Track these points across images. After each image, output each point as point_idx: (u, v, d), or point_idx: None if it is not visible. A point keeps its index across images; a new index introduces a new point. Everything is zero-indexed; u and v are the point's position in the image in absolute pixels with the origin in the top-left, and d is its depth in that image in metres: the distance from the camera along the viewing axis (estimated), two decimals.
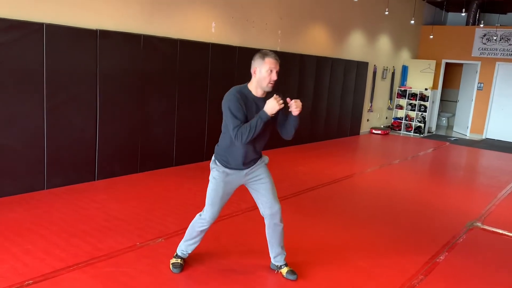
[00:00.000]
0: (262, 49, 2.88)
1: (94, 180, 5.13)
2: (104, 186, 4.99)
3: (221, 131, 3.02)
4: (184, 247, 3.15)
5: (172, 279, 3.01)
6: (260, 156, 3.05)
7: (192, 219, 4.05)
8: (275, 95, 2.77)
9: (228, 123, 2.80)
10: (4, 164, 4.33)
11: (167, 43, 5.68)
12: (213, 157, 3.03)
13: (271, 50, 2.84)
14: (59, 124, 4.69)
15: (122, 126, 5.32)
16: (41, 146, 4.58)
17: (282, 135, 3.03)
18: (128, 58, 5.25)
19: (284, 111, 2.89)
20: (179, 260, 3.14)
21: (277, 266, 3.20)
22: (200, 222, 3.04)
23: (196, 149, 6.37)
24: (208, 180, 3.03)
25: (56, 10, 4.59)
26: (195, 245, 3.16)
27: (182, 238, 3.17)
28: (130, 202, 4.50)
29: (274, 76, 2.78)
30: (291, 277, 3.12)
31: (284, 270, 3.16)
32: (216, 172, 2.97)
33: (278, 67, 2.80)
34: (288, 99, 2.82)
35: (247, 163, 2.95)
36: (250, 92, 2.85)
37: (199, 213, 3.09)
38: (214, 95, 6.38)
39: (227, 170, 2.95)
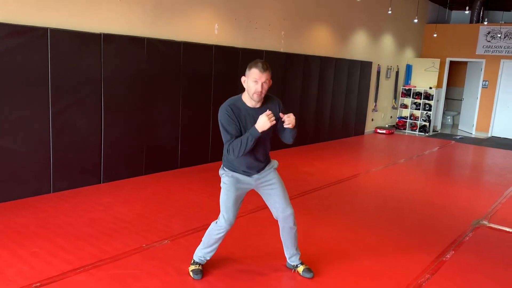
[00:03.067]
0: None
1: (100, 183, 5.16)
2: (109, 189, 5.01)
3: None
4: (202, 254, 3.12)
5: (178, 281, 3.02)
6: (267, 162, 3.04)
7: (198, 220, 4.11)
8: (268, 110, 2.74)
9: (222, 136, 2.82)
10: (10, 168, 4.36)
11: (171, 46, 5.70)
12: (222, 165, 3.05)
13: (263, 62, 2.79)
14: (65, 128, 4.72)
15: (127, 129, 5.35)
16: (46, 150, 4.61)
17: (283, 140, 3.04)
18: (132, 61, 5.28)
19: (278, 124, 2.90)
20: (198, 266, 3.11)
21: (293, 265, 3.23)
22: (217, 229, 3.01)
23: (201, 150, 6.39)
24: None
25: (60, 15, 4.62)
26: (213, 252, 3.13)
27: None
28: (135, 204, 4.51)
29: (258, 88, 2.73)
30: (308, 275, 3.14)
31: (301, 269, 3.18)
32: (226, 178, 2.98)
33: (264, 78, 2.73)
34: (281, 114, 2.81)
35: (253, 170, 2.96)
36: (244, 103, 2.85)
37: (215, 221, 3.06)
38: (218, 97, 6.39)
39: (235, 174, 2.96)
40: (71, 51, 4.66)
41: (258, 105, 2.86)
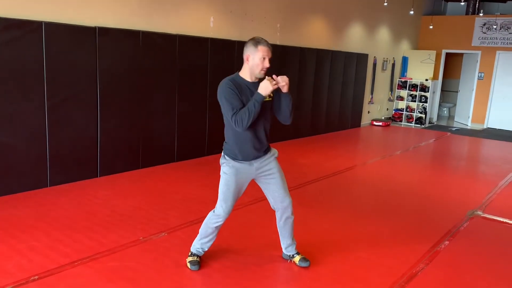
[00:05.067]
0: (255, 37, 2.89)
1: (97, 176, 5.17)
2: (106, 182, 5.03)
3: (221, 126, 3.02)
4: (200, 245, 3.14)
5: (176, 272, 3.05)
6: (268, 148, 3.05)
7: (195, 213, 4.13)
8: (267, 76, 2.81)
9: (225, 112, 2.83)
10: (7, 162, 4.36)
11: (166, 39, 5.69)
12: (222, 153, 3.04)
13: (264, 39, 2.88)
14: (61, 122, 4.72)
15: (123, 122, 5.35)
16: (43, 144, 4.61)
17: (280, 119, 3.04)
18: (128, 55, 5.27)
19: (275, 101, 2.94)
20: (195, 258, 3.13)
21: (289, 255, 3.26)
22: (215, 218, 3.03)
23: (197, 144, 6.40)
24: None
25: (55, 8, 4.60)
26: (211, 242, 3.15)
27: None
28: (132, 197, 4.53)
29: (266, 63, 2.81)
30: (304, 264, 3.18)
31: (297, 259, 3.22)
32: (226, 167, 2.97)
33: (270, 54, 2.83)
34: (274, 76, 2.84)
35: (255, 153, 2.95)
36: (243, 79, 2.88)
37: (212, 210, 3.08)
38: (214, 90, 6.34)
39: (237, 164, 2.95)
40: (66, 45, 4.65)
41: (256, 80, 2.90)
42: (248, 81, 2.88)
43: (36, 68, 4.44)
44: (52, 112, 4.63)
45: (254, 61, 2.82)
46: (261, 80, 2.87)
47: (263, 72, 2.83)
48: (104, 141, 5.17)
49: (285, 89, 2.87)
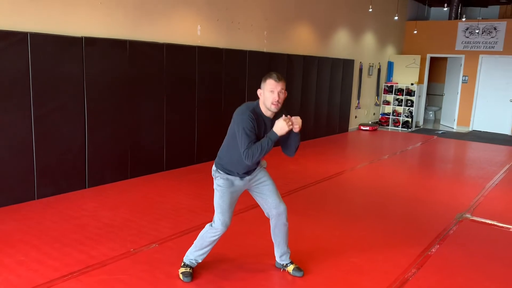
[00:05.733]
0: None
1: (85, 188, 5.10)
2: (95, 194, 4.97)
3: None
4: (194, 257, 3.13)
5: (168, 284, 3.01)
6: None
7: (186, 223, 4.09)
8: (283, 115, 2.81)
9: (239, 141, 2.80)
10: None
11: (154, 48, 5.67)
12: (214, 166, 3.04)
13: (276, 73, 2.86)
14: (48, 133, 4.66)
15: (111, 132, 5.30)
16: (30, 156, 4.54)
17: (285, 153, 3.07)
18: (115, 65, 5.24)
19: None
20: (188, 269, 3.10)
21: (283, 264, 3.24)
22: (212, 232, 3.03)
23: (187, 152, 6.37)
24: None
25: (41, 18, 4.56)
26: (206, 255, 3.14)
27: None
28: (121, 208, 4.48)
29: (275, 97, 2.80)
30: (298, 274, 3.18)
31: (291, 268, 3.21)
32: (220, 180, 2.98)
33: (280, 87, 2.80)
34: (289, 116, 2.85)
35: (248, 173, 3.01)
36: (261, 111, 2.89)
37: (209, 223, 3.07)
38: (202, 98, 6.38)
39: (230, 177, 2.98)
40: (52, 56, 4.60)
41: (272, 116, 2.90)
42: (264, 115, 2.88)
43: (22, 79, 4.38)
44: (39, 123, 4.57)
45: (264, 95, 2.83)
46: (276, 115, 2.89)
47: (274, 106, 2.82)
48: (92, 152, 5.11)
49: (296, 130, 2.87)
